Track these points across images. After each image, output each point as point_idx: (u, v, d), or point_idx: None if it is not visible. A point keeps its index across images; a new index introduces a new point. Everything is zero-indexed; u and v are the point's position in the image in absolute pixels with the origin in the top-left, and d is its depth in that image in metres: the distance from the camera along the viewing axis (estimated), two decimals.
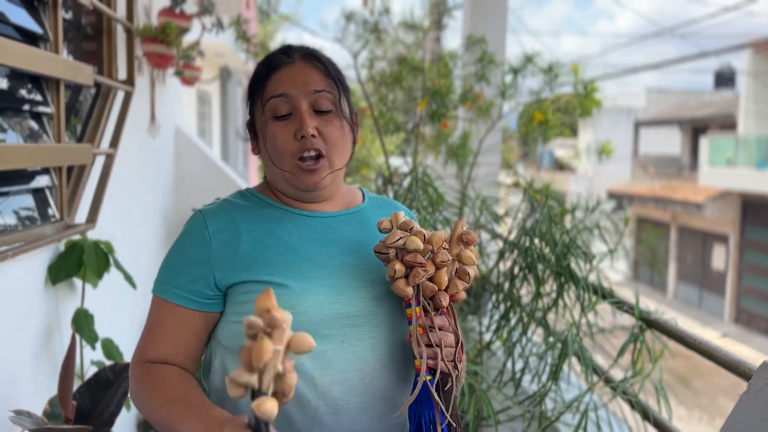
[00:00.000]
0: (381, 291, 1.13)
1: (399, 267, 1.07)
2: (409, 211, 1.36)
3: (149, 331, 1.12)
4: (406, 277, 1.07)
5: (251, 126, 1.21)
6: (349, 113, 1.20)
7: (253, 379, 0.76)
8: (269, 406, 0.76)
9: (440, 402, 1.06)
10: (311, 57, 1.17)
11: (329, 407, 1.06)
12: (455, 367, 1.07)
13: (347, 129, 1.17)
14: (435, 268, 1.08)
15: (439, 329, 1.07)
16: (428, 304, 1.09)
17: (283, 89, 1.12)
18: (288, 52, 1.17)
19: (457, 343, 1.09)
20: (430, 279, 1.08)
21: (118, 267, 2.16)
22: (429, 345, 1.06)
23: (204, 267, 1.09)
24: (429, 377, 1.06)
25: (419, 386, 1.05)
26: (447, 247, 1.10)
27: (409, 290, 1.07)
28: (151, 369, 1.09)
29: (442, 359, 1.05)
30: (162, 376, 1.08)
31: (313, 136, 1.11)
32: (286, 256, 1.10)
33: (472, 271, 1.11)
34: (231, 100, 10.21)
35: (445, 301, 1.08)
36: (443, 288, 1.08)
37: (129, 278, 2.21)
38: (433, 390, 1.06)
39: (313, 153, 1.12)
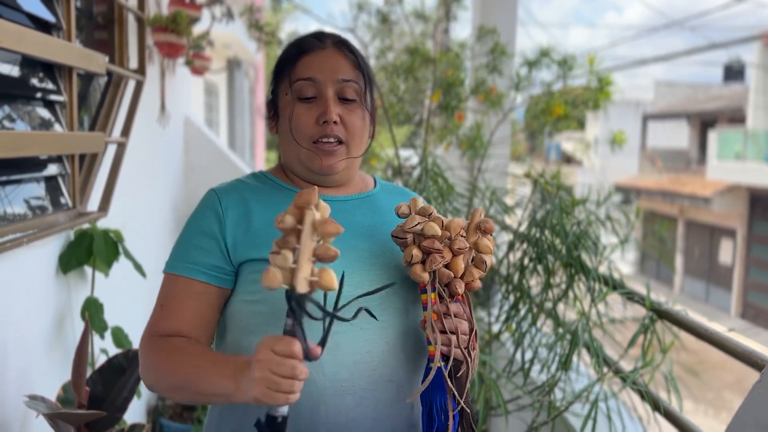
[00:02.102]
0: (392, 276, 1.13)
1: (416, 252, 1.07)
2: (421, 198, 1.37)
3: (161, 306, 1.12)
4: (423, 262, 1.07)
5: (272, 105, 1.21)
6: (371, 107, 1.21)
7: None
8: (328, 276, 0.89)
9: (453, 389, 1.06)
10: (343, 45, 1.18)
11: (335, 388, 1.06)
12: (469, 354, 1.08)
13: (368, 121, 1.19)
14: (452, 255, 1.08)
15: (454, 316, 1.08)
16: (444, 290, 1.09)
17: (311, 73, 1.14)
18: (321, 37, 1.18)
19: (471, 330, 1.09)
20: (447, 266, 1.08)
21: (128, 256, 2.17)
22: (443, 331, 1.06)
23: (218, 240, 1.10)
24: (442, 363, 1.06)
25: (432, 372, 1.06)
26: (464, 234, 1.10)
27: (426, 276, 1.07)
28: (165, 340, 1.09)
29: (457, 346, 1.06)
30: (177, 343, 1.08)
31: (335, 122, 1.12)
32: None
33: (489, 260, 1.11)
34: (238, 90, 10.20)
35: (460, 288, 1.08)
36: (459, 275, 1.09)
37: (138, 267, 2.22)
38: (447, 376, 1.06)
39: (332, 140, 1.13)
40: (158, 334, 1.11)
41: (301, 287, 0.88)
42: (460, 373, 1.07)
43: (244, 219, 1.11)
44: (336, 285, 0.89)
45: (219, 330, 1.18)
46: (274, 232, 1.10)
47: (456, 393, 1.06)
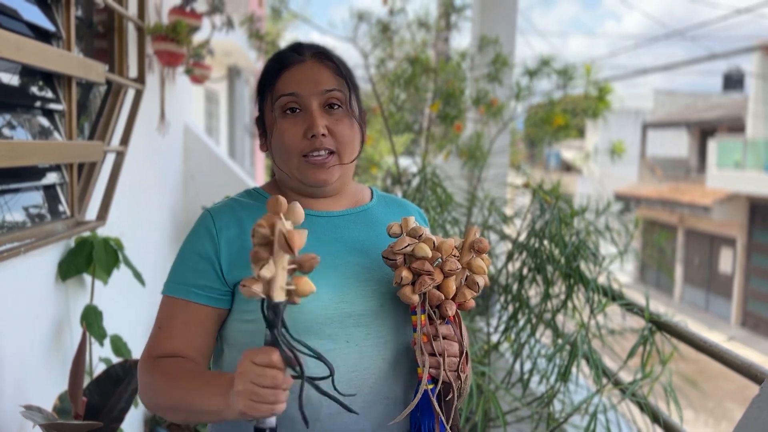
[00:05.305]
0: (387, 290, 1.12)
1: (406, 274, 1.05)
2: (419, 210, 1.35)
3: (159, 329, 1.12)
4: (413, 284, 1.06)
5: (260, 122, 1.21)
6: (359, 111, 1.20)
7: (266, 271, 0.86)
8: (304, 283, 0.89)
9: (440, 412, 1.05)
10: (322, 56, 1.17)
11: (332, 406, 1.04)
12: (458, 377, 1.06)
13: (356, 127, 1.18)
14: (443, 276, 1.06)
15: (444, 338, 1.06)
16: (434, 312, 1.07)
17: (293, 88, 1.13)
18: (299, 50, 1.17)
19: (461, 353, 1.08)
20: (438, 287, 1.06)
21: (128, 264, 2.16)
22: (432, 354, 1.05)
23: (212, 262, 1.10)
24: (431, 386, 1.05)
25: (419, 395, 1.05)
26: (457, 254, 1.08)
27: (415, 298, 1.05)
28: (162, 361, 1.09)
29: (445, 369, 1.04)
30: (173, 363, 1.08)
31: (323, 135, 1.11)
32: None
33: (482, 281, 1.09)
34: (238, 98, 10.23)
35: (451, 310, 1.06)
36: (450, 297, 1.07)
37: (138, 275, 2.22)
38: (434, 400, 1.05)
39: (323, 152, 1.12)
40: (156, 355, 1.10)
41: (277, 296, 0.87)
42: (448, 397, 1.06)
43: (239, 239, 1.11)
44: (313, 288, 0.89)
45: (217, 349, 1.18)
46: None
47: (443, 417, 1.05)
